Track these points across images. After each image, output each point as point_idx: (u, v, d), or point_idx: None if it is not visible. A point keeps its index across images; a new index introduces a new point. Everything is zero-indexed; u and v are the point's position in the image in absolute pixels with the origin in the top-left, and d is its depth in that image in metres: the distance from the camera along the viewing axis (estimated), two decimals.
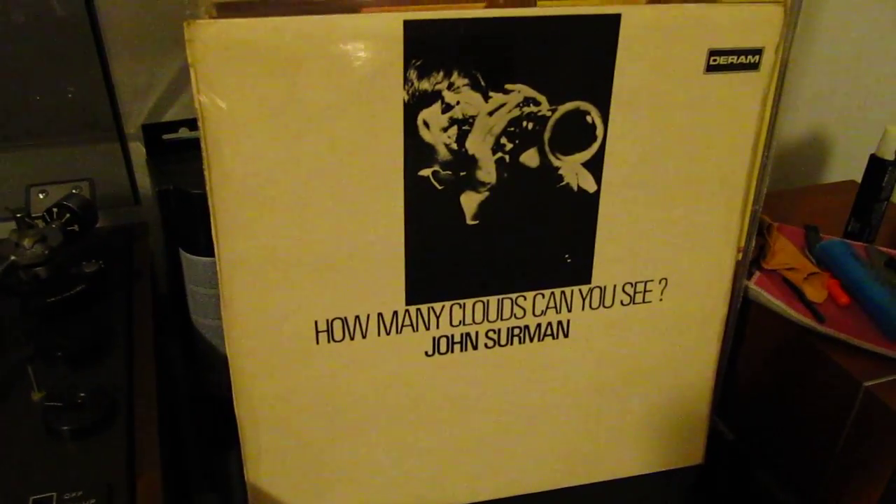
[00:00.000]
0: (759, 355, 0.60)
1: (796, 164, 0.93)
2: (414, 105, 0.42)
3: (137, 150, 0.66)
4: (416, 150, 0.43)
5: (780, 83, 0.48)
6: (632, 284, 0.50)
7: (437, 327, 0.48)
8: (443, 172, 0.44)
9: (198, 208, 0.44)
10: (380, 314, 0.47)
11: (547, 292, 0.49)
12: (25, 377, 0.48)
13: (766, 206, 0.54)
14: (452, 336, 0.49)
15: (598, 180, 0.46)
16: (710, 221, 0.50)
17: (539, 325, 0.50)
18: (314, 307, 0.45)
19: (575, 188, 0.46)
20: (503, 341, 0.50)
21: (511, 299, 0.49)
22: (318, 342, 0.46)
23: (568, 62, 0.43)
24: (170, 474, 0.47)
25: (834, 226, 0.68)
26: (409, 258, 0.45)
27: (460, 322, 0.48)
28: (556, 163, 0.45)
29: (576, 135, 0.45)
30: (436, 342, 0.49)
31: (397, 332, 0.48)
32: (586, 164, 0.46)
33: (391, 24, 0.39)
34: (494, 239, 0.46)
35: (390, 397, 0.49)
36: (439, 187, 0.44)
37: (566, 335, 0.51)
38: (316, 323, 0.46)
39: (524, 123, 0.43)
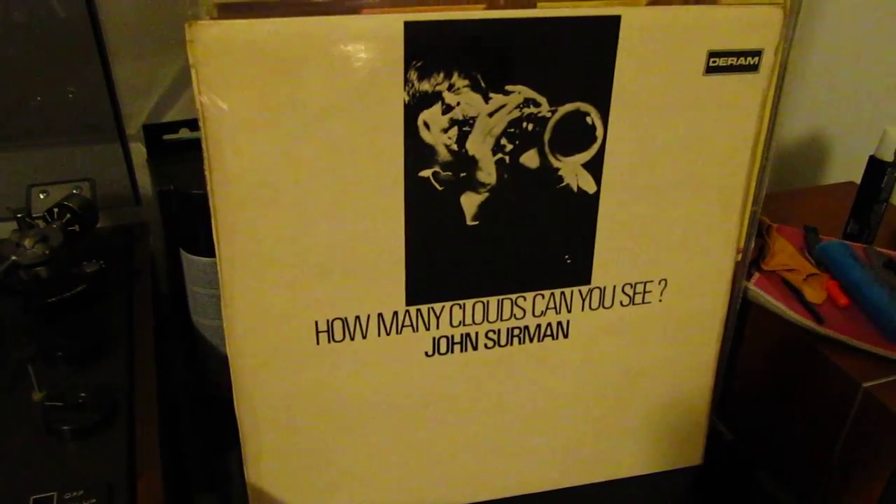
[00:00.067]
0: (758, 356, 0.60)
1: (796, 165, 0.93)
2: (414, 106, 0.42)
3: (138, 151, 0.66)
4: (417, 151, 0.43)
5: (780, 85, 0.48)
6: (631, 285, 0.50)
7: (437, 328, 0.48)
8: (443, 173, 0.44)
9: (198, 209, 0.44)
10: (380, 314, 0.47)
11: (547, 293, 0.49)
12: (26, 377, 0.48)
13: (766, 207, 0.54)
14: (452, 336, 0.49)
15: (598, 181, 0.46)
16: (709, 222, 0.50)
17: (539, 326, 0.50)
18: (314, 307, 0.45)
19: (575, 189, 0.46)
20: (503, 342, 0.50)
21: (511, 300, 0.49)
22: (318, 342, 0.46)
23: (568, 63, 0.43)
24: (170, 474, 0.47)
25: (833, 227, 0.68)
26: (410, 259, 0.45)
27: (460, 322, 0.49)
28: (556, 164, 0.45)
29: (576, 136, 0.45)
30: (436, 342, 0.49)
31: (397, 332, 0.48)
32: (586, 165, 0.46)
33: (392, 25, 0.39)
34: (494, 240, 0.46)
35: (390, 397, 0.49)
36: (439, 188, 0.44)
37: (566, 336, 0.51)
38: (316, 323, 0.46)
39: (524, 124, 0.44)
